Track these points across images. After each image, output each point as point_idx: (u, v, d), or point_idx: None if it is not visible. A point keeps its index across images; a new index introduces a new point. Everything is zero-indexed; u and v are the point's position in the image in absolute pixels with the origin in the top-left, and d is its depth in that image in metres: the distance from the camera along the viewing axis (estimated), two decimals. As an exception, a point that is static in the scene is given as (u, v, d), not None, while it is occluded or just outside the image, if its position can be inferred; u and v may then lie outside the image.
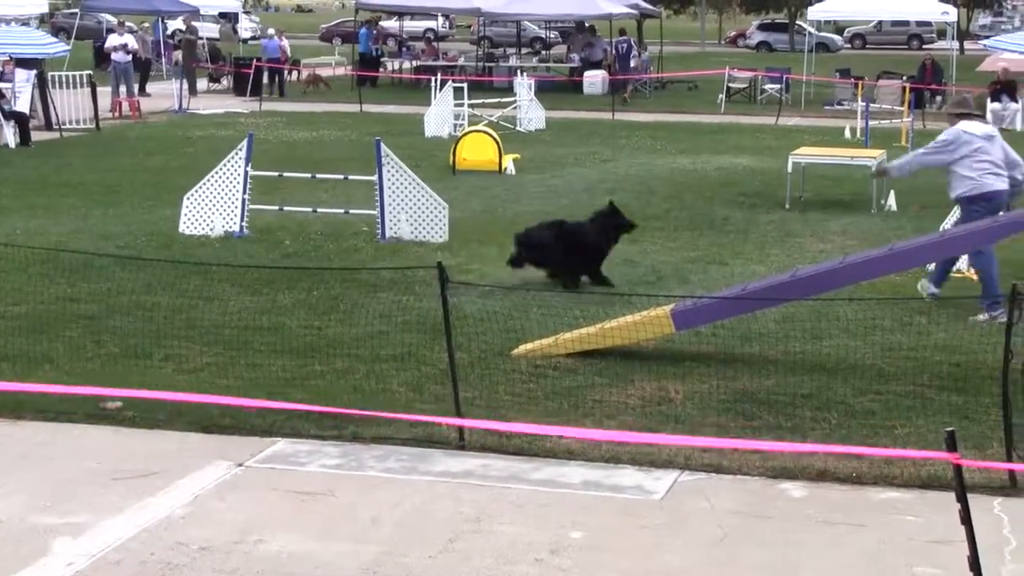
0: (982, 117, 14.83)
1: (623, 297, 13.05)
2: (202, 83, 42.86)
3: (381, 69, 46.10)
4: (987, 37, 54.21)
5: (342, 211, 17.71)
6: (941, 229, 14.33)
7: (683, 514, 8.13)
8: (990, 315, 12.60)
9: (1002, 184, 13.41)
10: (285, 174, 18.92)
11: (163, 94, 38.38)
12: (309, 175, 19.05)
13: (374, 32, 49.31)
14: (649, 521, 8.02)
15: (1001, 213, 13.08)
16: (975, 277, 14.34)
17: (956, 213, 14.82)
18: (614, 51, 44.21)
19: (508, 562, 7.40)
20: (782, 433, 9.40)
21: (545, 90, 37.09)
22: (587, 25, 47.86)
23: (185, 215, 17.08)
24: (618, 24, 46.36)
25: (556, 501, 8.32)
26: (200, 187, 17.08)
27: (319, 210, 17.75)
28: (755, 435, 9.30)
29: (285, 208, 17.68)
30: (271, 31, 45.91)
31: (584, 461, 8.97)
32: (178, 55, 45.27)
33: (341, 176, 18.92)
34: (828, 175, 21.61)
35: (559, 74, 45.37)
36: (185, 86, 37.18)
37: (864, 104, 29.44)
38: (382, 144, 16.63)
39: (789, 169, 19.97)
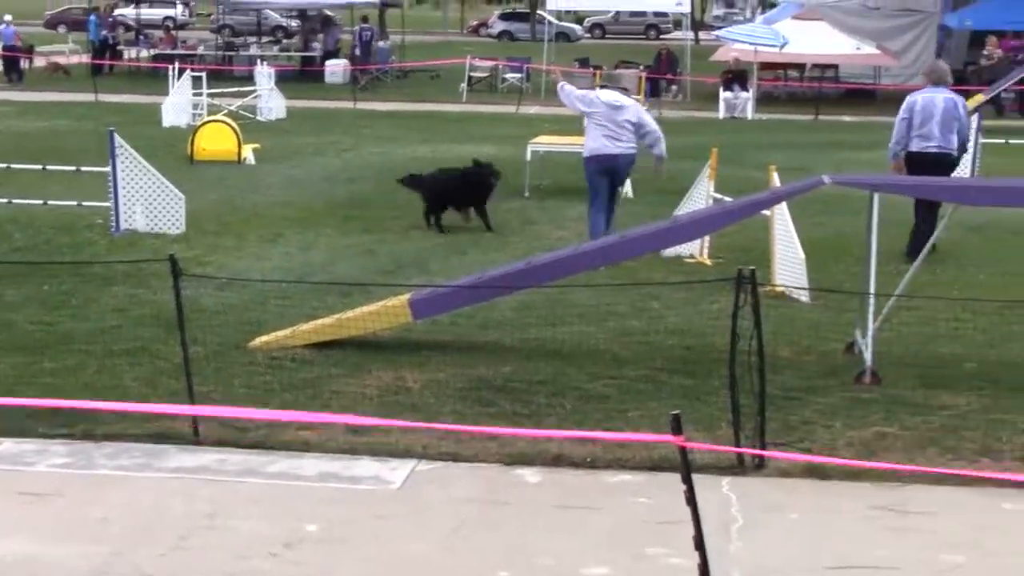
0: (626, 91, 16.76)
1: (362, 287, 12.99)
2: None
3: (117, 58, 45.07)
4: (720, 27, 55.59)
5: (75, 203, 17.27)
6: (673, 216, 14.64)
7: (420, 503, 8.13)
8: None
9: (616, 148, 15.66)
10: (14, 166, 18.35)
11: None
12: (40, 167, 18.50)
13: (109, 20, 48.13)
14: (386, 511, 8.00)
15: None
16: (708, 262, 14.76)
17: (687, 200, 15.22)
18: (356, 39, 44.06)
19: (242, 557, 7.30)
20: (519, 419, 9.48)
21: (286, 79, 36.77)
22: (323, 14, 47.58)
23: (-95, 209, 16.44)
24: (360, 12, 46.20)
25: (292, 494, 8.24)
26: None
27: (50, 202, 17.27)
28: (492, 422, 9.37)
29: (14, 201, 17.14)
30: (7, 17, 44.48)
31: (321, 453, 8.91)
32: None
33: (73, 168, 18.43)
34: (566, 163, 21.81)
35: (299, 63, 45.00)
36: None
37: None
38: (116, 135, 16.24)
39: (528, 157, 20.17)
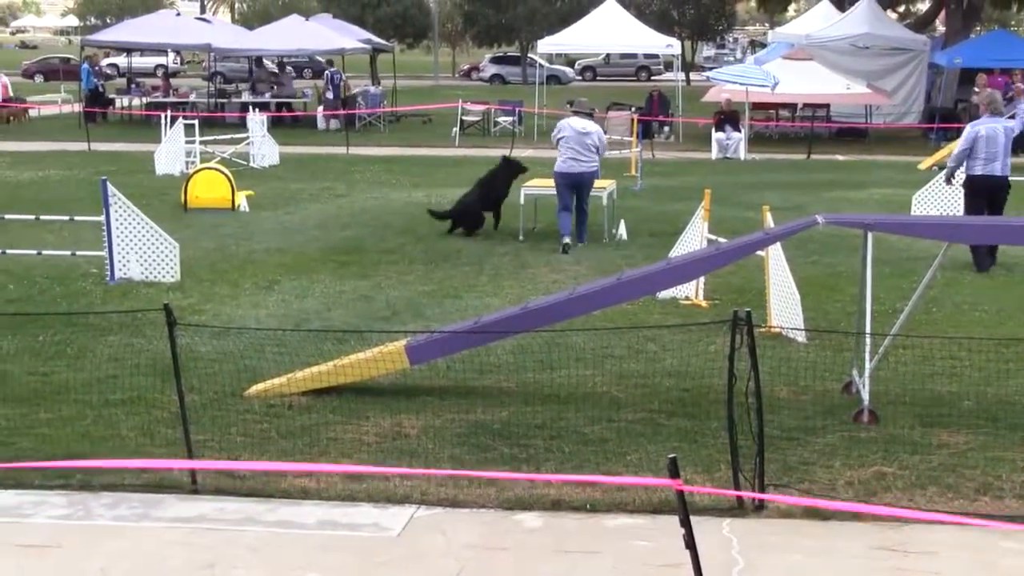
0: (588, 116, 19.71)
1: (358, 333, 12.97)
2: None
3: (110, 107, 45.18)
4: (711, 68, 55.83)
5: (69, 253, 17.27)
6: (668, 257, 14.64)
7: (420, 549, 8.11)
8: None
9: (580, 167, 18.90)
10: (7, 216, 18.37)
11: None
12: (33, 217, 18.51)
13: (97, 68, 48.27)
14: (386, 558, 7.98)
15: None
16: (703, 304, 14.77)
17: (681, 241, 15.26)
18: (327, 83, 44.23)
19: (242, 607, 7.28)
20: (517, 464, 9.47)
21: (279, 126, 36.83)
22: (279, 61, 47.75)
23: (-100, 261, 16.41)
24: (350, 58, 46.34)
25: (292, 542, 8.22)
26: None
27: (44, 252, 17.27)
28: (490, 467, 9.35)
29: (7, 252, 17.13)
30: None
31: (320, 500, 8.88)
32: None
33: (67, 217, 18.43)
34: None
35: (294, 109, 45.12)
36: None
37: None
38: (108, 184, 16.25)
39: (522, 201, 20.20)
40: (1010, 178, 17.94)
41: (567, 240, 18.78)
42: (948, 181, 18.99)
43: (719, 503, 8.69)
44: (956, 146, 18.68)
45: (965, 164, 17.87)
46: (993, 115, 18.03)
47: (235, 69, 62.15)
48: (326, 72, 45.23)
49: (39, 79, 64.62)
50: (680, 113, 41.24)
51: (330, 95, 43.56)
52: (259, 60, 46.85)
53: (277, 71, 48.58)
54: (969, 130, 17.92)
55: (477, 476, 8.81)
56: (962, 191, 18.23)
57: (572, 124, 19.04)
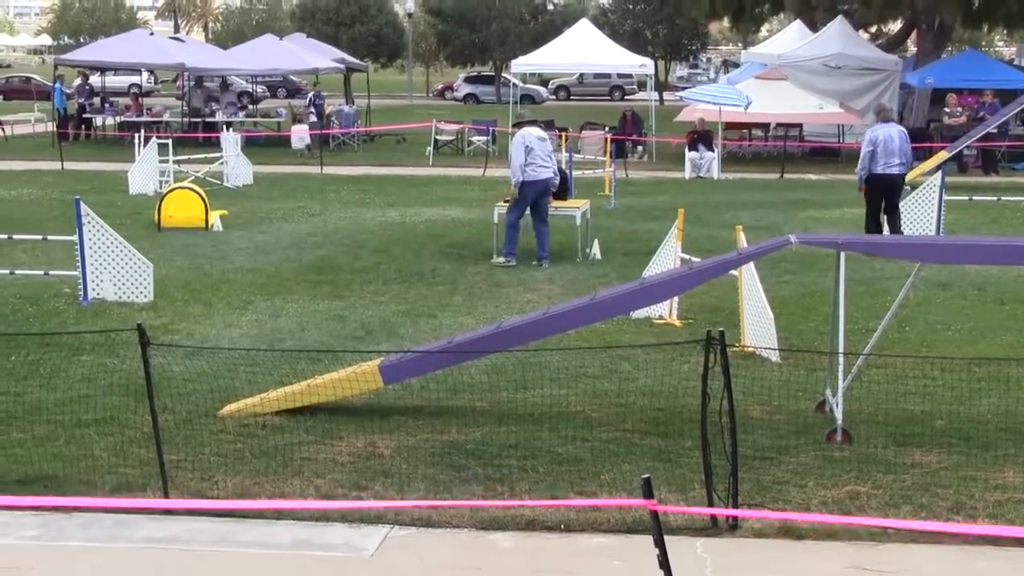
0: (540, 125, 20.60)
1: (332, 353, 12.95)
2: None
3: (89, 126, 45.07)
4: (684, 88, 55.99)
5: (42, 273, 17.22)
6: (641, 277, 14.68)
7: (394, 570, 8.10)
8: (504, 261, 19.15)
9: (548, 173, 19.34)
10: (-22, 236, 18.35)
11: None
12: (5, 236, 18.45)
13: (86, 88, 48.16)
14: (360, 579, 7.97)
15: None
16: (677, 323, 14.80)
17: (655, 261, 15.29)
18: (310, 104, 44.20)
19: (216, 629, 7.25)
20: (491, 484, 9.47)
21: (254, 145, 36.82)
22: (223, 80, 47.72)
23: None
24: (324, 77, 46.29)
25: (266, 563, 8.20)
26: None
27: (17, 272, 17.21)
28: (464, 487, 9.35)
29: (-20, 271, 17.08)
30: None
31: (293, 520, 8.86)
32: None
33: (40, 237, 18.38)
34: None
35: (267, 128, 45.05)
36: None
37: (568, 155, 30.00)
38: (82, 203, 16.21)
39: (495, 220, 20.21)
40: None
41: (513, 262, 19.20)
42: (861, 189, 21.42)
43: (693, 522, 8.70)
44: (860, 153, 21.46)
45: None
46: (885, 121, 21.38)
47: (208, 88, 62.00)
48: (309, 94, 45.13)
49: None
50: (654, 132, 41.31)
51: (313, 117, 43.47)
52: (199, 80, 46.69)
53: (218, 90, 48.23)
54: (869, 135, 21.20)
55: (450, 506, 8.80)
56: (936, 209, 18.77)
57: (533, 133, 19.41)
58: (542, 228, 19.53)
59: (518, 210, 19.38)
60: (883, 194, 21.16)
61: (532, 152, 19.19)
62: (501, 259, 19.30)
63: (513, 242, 19.31)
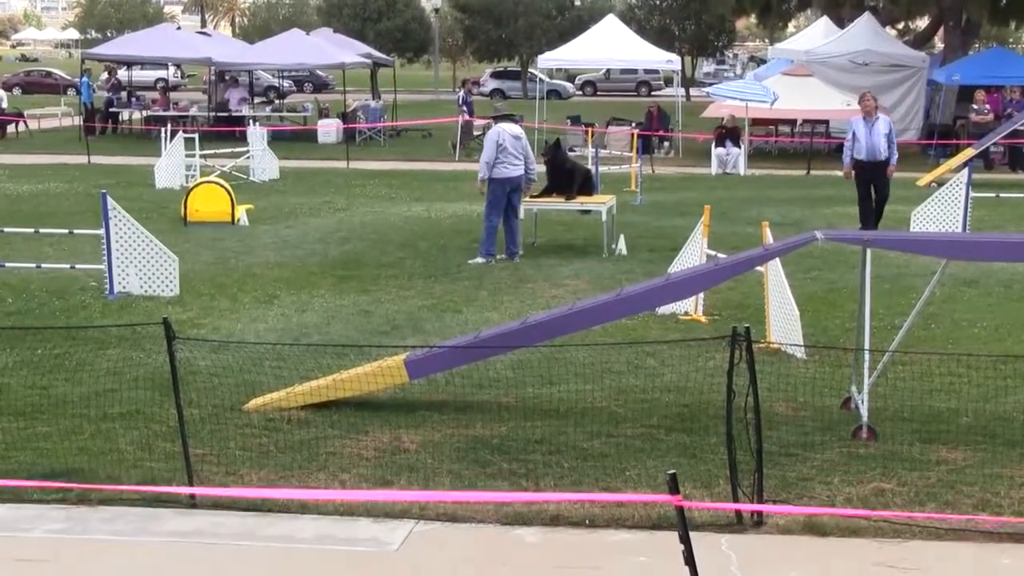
0: (517, 120, 20.45)
1: (357, 348, 12.96)
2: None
3: (115, 121, 45.21)
4: (711, 84, 55.86)
5: (68, 266, 17.28)
6: (667, 273, 14.65)
7: (419, 564, 8.10)
8: (483, 260, 19.03)
9: (518, 171, 19.35)
10: (6, 229, 18.39)
11: None
12: (32, 230, 18.52)
13: (114, 81, 48.34)
14: (385, 573, 7.98)
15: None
16: (703, 320, 14.77)
17: (681, 257, 15.27)
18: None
19: (241, 622, 7.26)
20: (516, 479, 9.46)
21: (280, 139, 36.87)
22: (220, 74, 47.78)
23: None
24: (350, 73, 46.34)
25: (291, 557, 8.21)
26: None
27: (43, 265, 17.27)
28: (489, 482, 9.35)
29: (6, 264, 17.14)
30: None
31: (318, 515, 8.87)
32: None
33: (66, 231, 18.45)
34: (560, 221, 21.93)
35: (293, 123, 45.10)
36: None
37: (594, 150, 29.97)
38: (108, 197, 16.26)
39: (521, 215, 20.19)
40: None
41: (492, 261, 19.13)
42: (847, 176, 22.68)
43: (718, 519, 8.69)
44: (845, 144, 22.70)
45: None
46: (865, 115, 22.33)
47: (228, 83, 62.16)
48: (459, 93, 44.68)
49: (17, 91, 65.08)
50: (680, 128, 41.25)
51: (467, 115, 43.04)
52: (221, 74, 46.78)
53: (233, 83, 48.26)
54: (849, 126, 22.85)
55: (474, 500, 8.80)
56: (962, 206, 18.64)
57: (507, 130, 19.44)
58: (513, 223, 19.61)
59: (496, 210, 19.36)
60: (867, 179, 22.24)
61: (504, 150, 19.25)
62: (480, 259, 19.19)
63: (493, 243, 19.32)
